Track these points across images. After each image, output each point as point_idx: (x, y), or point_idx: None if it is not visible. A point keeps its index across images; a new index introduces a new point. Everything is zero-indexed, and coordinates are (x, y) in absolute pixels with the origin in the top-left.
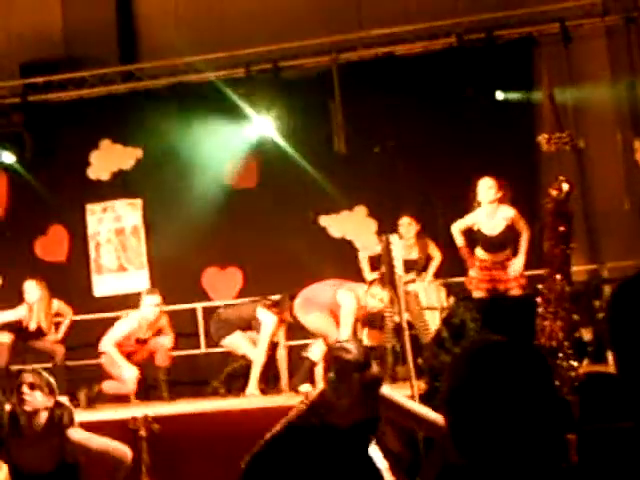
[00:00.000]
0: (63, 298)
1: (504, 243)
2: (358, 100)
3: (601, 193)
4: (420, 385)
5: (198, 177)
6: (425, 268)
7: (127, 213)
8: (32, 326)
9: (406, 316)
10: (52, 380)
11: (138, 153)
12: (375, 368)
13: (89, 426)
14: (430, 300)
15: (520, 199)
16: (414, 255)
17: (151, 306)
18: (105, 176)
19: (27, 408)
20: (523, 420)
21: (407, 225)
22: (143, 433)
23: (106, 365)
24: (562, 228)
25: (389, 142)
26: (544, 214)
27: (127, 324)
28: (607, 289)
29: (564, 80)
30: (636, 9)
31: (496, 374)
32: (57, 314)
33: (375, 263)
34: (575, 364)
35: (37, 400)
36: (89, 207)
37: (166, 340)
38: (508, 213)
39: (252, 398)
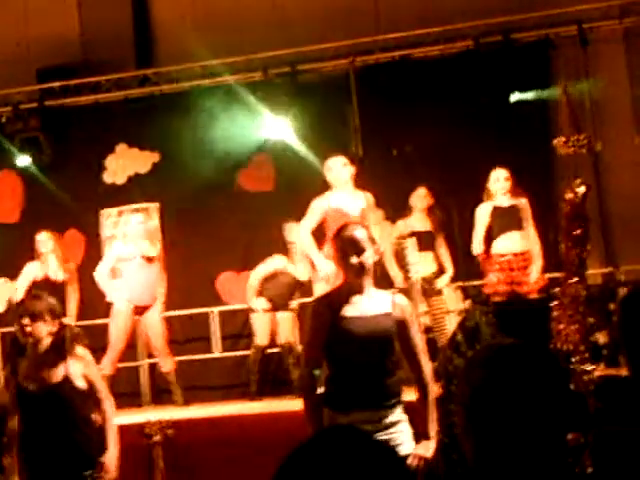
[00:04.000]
0: (78, 303)
1: (517, 215)
2: (375, 103)
3: (617, 196)
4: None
5: (214, 181)
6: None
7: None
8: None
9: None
10: (54, 302)
11: (154, 157)
12: None
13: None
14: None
15: (536, 201)
16: (428, 227)
17: (136, 224)
18: (121, 180)
19: (30, 340)
20: (540, 422)
21: (422, 197)
22: (158, 438)
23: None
24: (578, 231)
25: (406, 145)
26: (560, 217)
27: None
28: (623, 292)
29: (581, 82)
30: None
31: (512, 376)
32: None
33: None
34: (590, 368)
35: (39, 330)
36: (105, 211)
37: (162, 344)
38: (521, 202)
39: (269, 402)
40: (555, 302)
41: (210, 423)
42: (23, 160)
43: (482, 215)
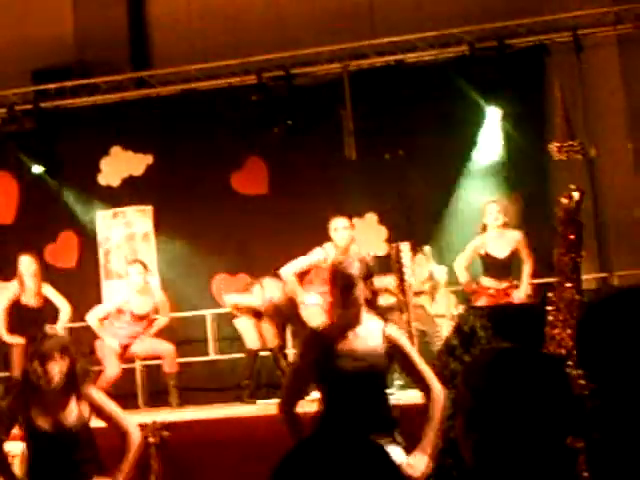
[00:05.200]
0: (73, 304)
1: (509, 267)
2: (369, 107)
3: (612, 202)
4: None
5: (208, 183)
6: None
7: (137, 219)
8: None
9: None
10: (64, 339)
11: (148, 159)
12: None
13: (97, 432)
14: (439, 308)
15: (531, 207)
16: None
17: (136, 274)
18: (115, 182)
19: (42, 382)
20: (541, 425)
21: (429, 252)
22: (152, 440)
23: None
24: (572, 236)
25: (399, 149)
26: (555, 222)
27: (116, 297)
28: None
29: (575, 89)
30: None
31: (513, 380)
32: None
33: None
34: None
35: (51, 372)
36: (99, 213)
37: (169, 346)
38: (515, 236)
39: (263, 405)
40: (549, 306)
41: (205, 425)
42: (18, 162)
43: (470, 249)
